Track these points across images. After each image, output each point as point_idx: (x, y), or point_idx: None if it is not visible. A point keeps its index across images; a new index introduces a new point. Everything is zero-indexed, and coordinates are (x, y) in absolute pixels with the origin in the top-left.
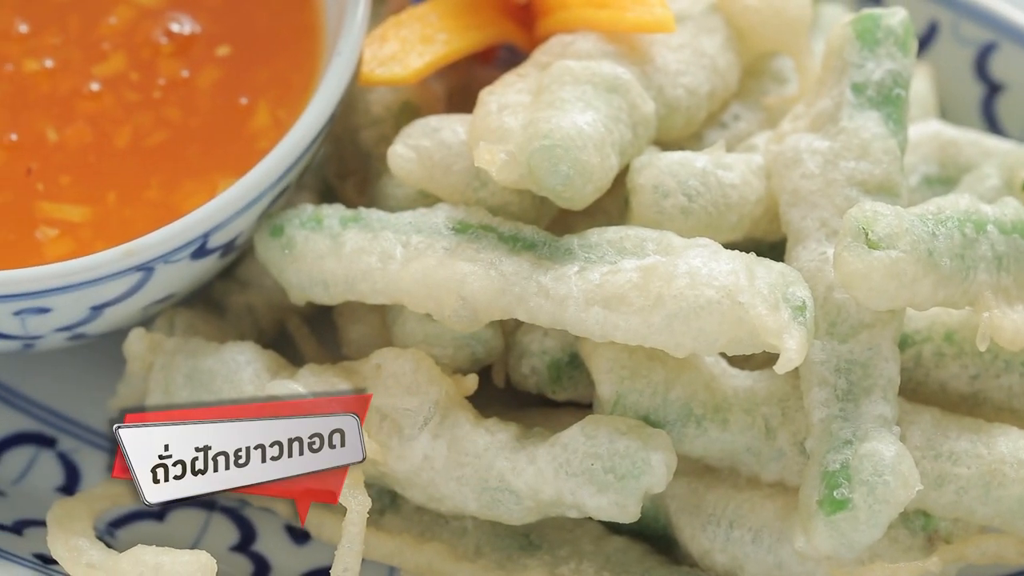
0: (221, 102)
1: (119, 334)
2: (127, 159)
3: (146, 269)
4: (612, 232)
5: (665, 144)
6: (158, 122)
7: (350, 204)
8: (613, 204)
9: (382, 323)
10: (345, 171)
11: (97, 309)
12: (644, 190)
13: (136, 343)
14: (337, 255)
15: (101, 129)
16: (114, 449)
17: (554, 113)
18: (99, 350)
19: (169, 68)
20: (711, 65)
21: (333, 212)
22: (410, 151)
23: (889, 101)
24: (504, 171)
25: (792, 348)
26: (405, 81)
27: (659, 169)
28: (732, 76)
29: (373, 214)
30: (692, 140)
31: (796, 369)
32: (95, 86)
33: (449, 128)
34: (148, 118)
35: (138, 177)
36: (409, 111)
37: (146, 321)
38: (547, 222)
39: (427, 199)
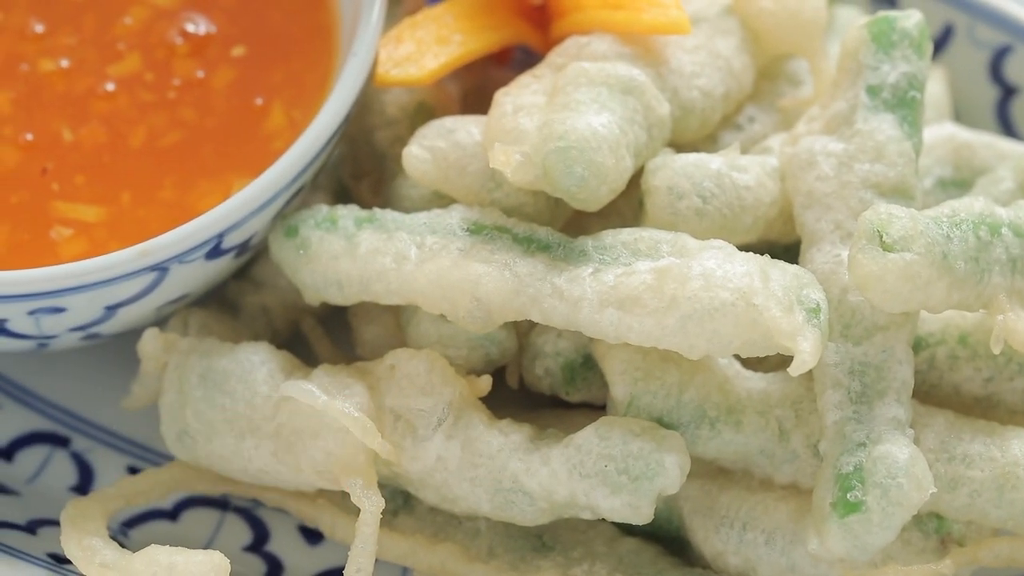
0: (236, 102)
1: (133, 334)
2: (142, 159)
3: (160, 269)
4: (626, 234)
5: (680, 146)
6: (173, 122)
7: (365, 205)
8: (627, 206)
9: (396, 324)
10: (360, 172)
11: (111, 309)
12: (659, 192)
13: (150, 343)
14: (352, 256)
15: (116, 129)
16: (128, 449)
17: (569, 115)
18: (113, 350)
19: (184, 68)
20: (726, 67)
21: (348, 213)
22: (425, 152)
23: (904, 104)
24: (519, 172)
25: (806, 350)
26: (420, 82)
27: (674, 171)
28: (747, 78)
29: (388, 215)
30: (707, 142)
31: (810, 371)
32: (110, 86)
33: (464, 129)
34: (163, 118)
35: (153, 177)
36: (424, 112)
37: (160, 321)
38: (561, 223)
39: (442, 200)
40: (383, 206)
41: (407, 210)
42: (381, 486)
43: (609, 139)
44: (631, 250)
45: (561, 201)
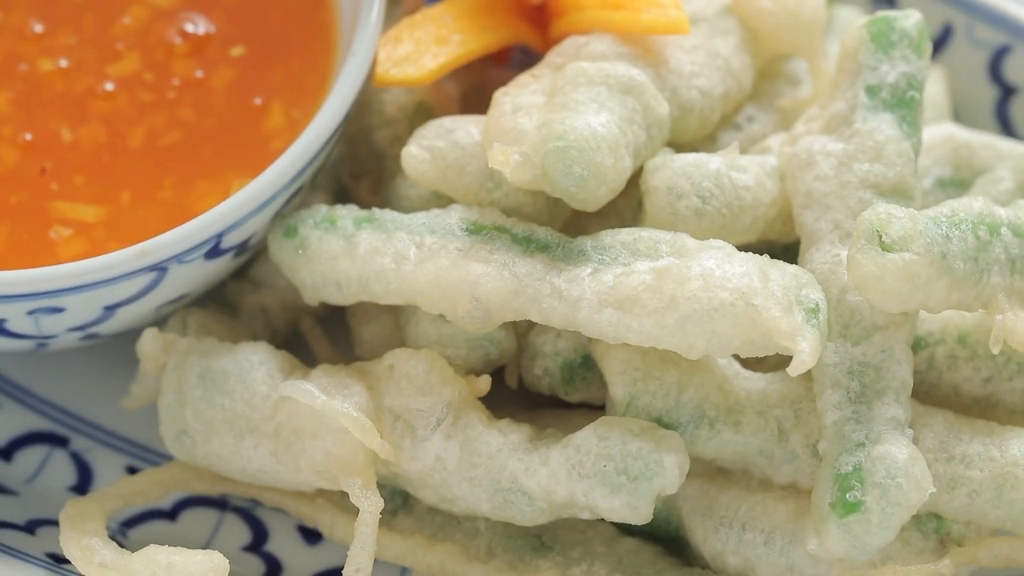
0: (235, 102)
1: (132, 334)
2: (141, 159)
3: (159, 269)
4: (626, 234)
5: (679, 146)
6: (172, 122)
7: (364, 205)
8: (627, 206)
9: (395, 324)
10: (359, 172)
11: (110, 309)
12: (658, 192)
13: (149, 343)
14: (351, 256)
15: (115, 129)
16: (127, 449)
17: (568, 114)
18: (112, 350)
19: (183, 68)
20: (725, 67)
21: (347, 213)
22: (424, 152)
23: (903, 103)
24: (518, 172)
25: (805, 350)
26: (419, 82)
27: (673, 171)
28: (746, 78)
29: (387, 215)
30: (706, 142)
31: (809, 371)
32: (109, 86)
33: (463, 129)
34: (162, 118)
35: (152, 177)
36: (423, 112)
37: (159, 321)
38: (561, 223)
39: (441, 200)
40: (382, 206)
41: (406, 210)
42: (380, 486)
43: (608, 139)
44: (630, 250)
45: (560, 201)
